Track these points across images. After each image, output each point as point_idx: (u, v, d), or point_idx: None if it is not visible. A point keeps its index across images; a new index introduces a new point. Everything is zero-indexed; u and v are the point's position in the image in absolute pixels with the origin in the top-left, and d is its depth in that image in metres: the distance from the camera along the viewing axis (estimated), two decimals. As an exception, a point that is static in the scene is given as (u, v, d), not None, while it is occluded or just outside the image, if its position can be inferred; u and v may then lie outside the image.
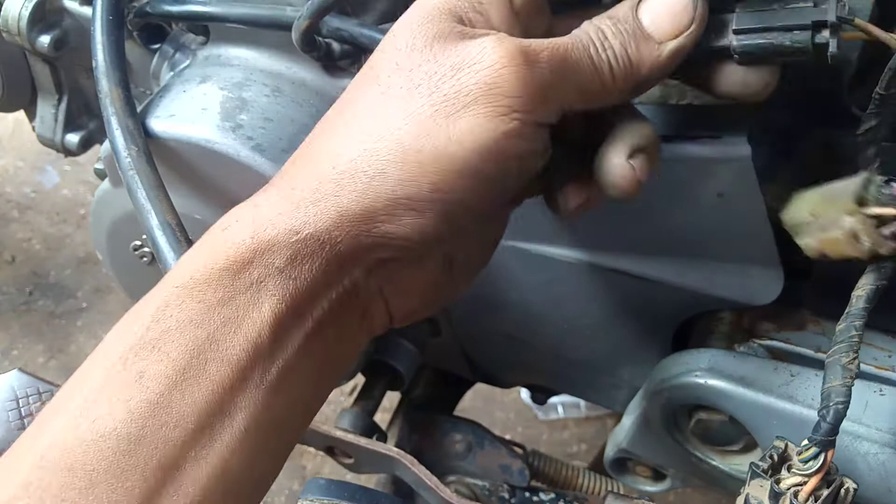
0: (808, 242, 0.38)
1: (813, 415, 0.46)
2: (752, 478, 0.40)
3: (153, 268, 0.64)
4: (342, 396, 1.47)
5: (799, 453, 0.38)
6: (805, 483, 0.37)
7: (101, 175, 0.68)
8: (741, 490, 0.41)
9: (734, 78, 0.37)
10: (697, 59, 0.36)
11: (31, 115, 0.83)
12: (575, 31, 0.35)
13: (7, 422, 0.67)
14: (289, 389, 0.32)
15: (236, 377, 0.30)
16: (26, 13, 0.68)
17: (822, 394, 0.37)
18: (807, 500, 0.37)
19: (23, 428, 0.68)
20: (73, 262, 1.68)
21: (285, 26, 0.50)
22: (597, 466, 0.80)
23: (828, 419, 0.36)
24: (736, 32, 0.34)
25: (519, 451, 0.76)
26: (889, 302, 0.40)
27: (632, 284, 0.56)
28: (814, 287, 0.53)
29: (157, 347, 0.30)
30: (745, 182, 0.44)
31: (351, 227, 0.32)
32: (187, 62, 0.58)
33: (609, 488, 0.74)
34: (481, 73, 0.32)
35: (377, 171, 0.32)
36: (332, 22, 0.48)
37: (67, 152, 0.81)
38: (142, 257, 0.64)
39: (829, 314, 0.52)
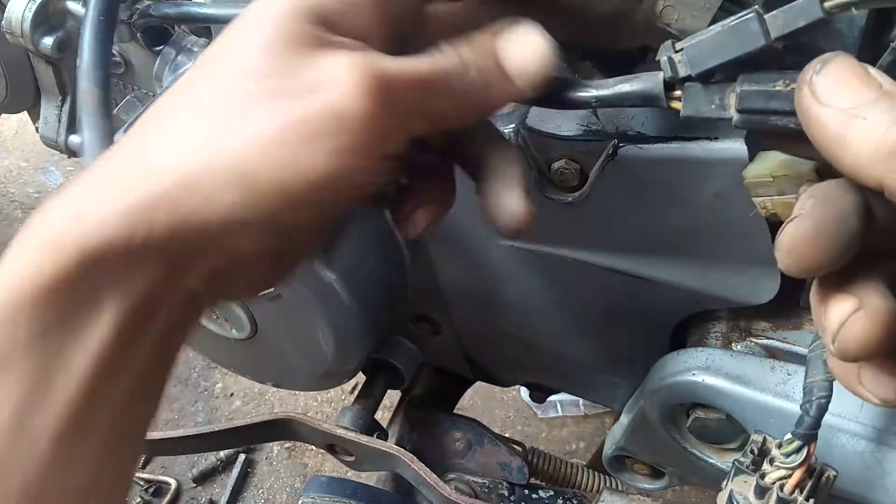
0: (763, 201, 0.37)
1: (838, 421, 0.46)
2: (735, 474, 0.41)
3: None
4: (343, 395, 1.47)
5: (780, 446, 0.39)
6: (790, 476, 0.38)
7: (104, 175, 0.69)
8: (722, 486, 0.41)
9: None
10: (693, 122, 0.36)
11: (35, 116, 0.83)
12: (435, 54, 0.33)
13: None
14: (139, 400, 0.31)
15: (85, 396, 0.28)
16: (30, 15, 0.68)
17: (804, 388, 0.37)
18: (792, 492, 0.38)
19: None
20: (76, 262, 1.69)
21: None
22: (595, 464, 0.81)
23: (810, 413, 0.37)
24: (740, 111, 0.33)
25: (518, 448, 0.77)
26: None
27: (629, 284, 0.56)
28: (810, 286, 0.54)
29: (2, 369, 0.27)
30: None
31: (185, 239, 0.29)
32: (189, 65, 0.59)
33: (607, 486, 0.75)
34: (331, 99, 0.29)
35: (216, 189, 0.29)
36: None
37: (71, 153, 0.82)
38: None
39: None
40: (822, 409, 0.37)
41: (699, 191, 0.48)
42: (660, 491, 0.66)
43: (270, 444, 1.45)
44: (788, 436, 0.38)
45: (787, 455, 0.38)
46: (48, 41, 0.69)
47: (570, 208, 0.53)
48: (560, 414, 1.45)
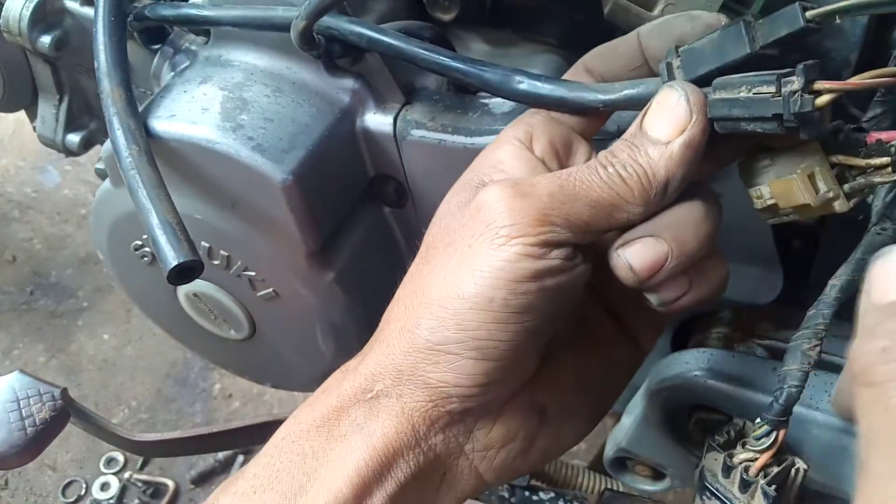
0: (760, 189, 0.37)
1: (811, 414, 0.47)
2: (707, 451, 0.41)
3: (154, 267, 0.64)
4: (342, 396, 1.47)
5: (753, 430, 0.39)
6: (756, 459, 0.38)
7: (101, 175, 0.68)
8: (699, 463, 0.42)
9: None
10: None
11: (32, 115, 0.83)
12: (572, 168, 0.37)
13: (8, 423, 0.67)
14: None
15: None
16: (27, 13, 0.68)
17: (778, 376, 0.38)
18: (757, 474, 0.38)
19: (24, 429, 0.68)
20: (74, 262, 1.68)
21: (278, 27, 0.50)
22: (596, 466, 0.80)
23: (780, 400, 0.38)
24: (711, 119, 0.35)
25: (519, 450, 0.76)
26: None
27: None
28: (813, 287, 0.53)
29: (267, 487, 0.35)
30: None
31: (402, 380, 0.35)
32: (188, 63, 0.58)
33: (608, 487, 0.74)
34: (483, 213, 0.35)
35: (412, 322, 0.35)
36: (325, 21, 0.48)
37: (68, 152, 0.81)
38: (142, 257, 0.64)
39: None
40: (792, 398, 0.38)
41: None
42: (661, 493, 0.66)
43: (269, 445, 1.45)
44: (758, 420, 0.39)
45: (757, 439, 0.39)
46: (46, 40, 0.69)
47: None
48: (559, 415, 1.44)
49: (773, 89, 0.32)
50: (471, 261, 0.34)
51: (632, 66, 0.41)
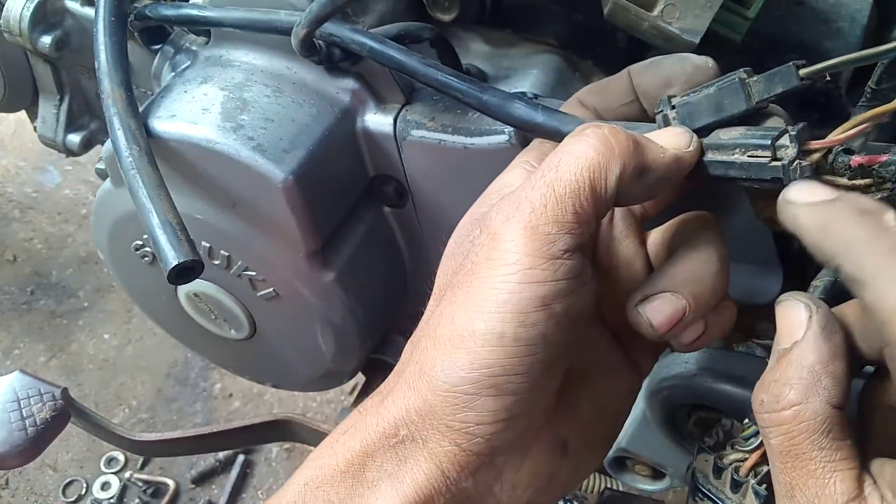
0: (759, 205, 0.39)
1: None
2: (698, 452, 0.42)
3: (154, 267, 0.64)
4: (342, 396, 1.47)
5: (742, 431, 0.40)
6: (746, 459, 0.39)
7: (102, 175, 0.68)
8: (689, 465, 0.42)
9: None
10: None
11: (33, 116, 0.83)
12: None
13: (9, 423, 0.67)
14: None
15: None
16: (28, 14, 0.68)
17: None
18: (747, 474, 0.39)
19: (24, 429, 0.69)
20: (75, 262, 1.68)
21: (279, 30, 0.50)
22: (596, 466, 0.80)
23: None
24: (711, 178, 0.36)
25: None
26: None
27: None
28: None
29: None
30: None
31: (425, 424, 0.34)
32: (188, 63, 0.58)
33: (608, 486, 0.74)
34: (484, 250, 0.35)
35: (427, 365, 0.34)
36: (327, 27, 0.48)
37: (69, 152, 0.82)
38: (143, 257, 0.64)
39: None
40: None
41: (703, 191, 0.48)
42: (661, 493, 0.66)
43: (269, 444, 1.45)
44: (746, 420, 0.39)
45: (746, 439, 0.39)
46: (46, 40, 0.69)
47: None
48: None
49: (768, 154, 0.34)
50: (477, 297, 0.34)
51: (623, 101, 0.42)
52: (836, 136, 0.33)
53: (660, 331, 0.36)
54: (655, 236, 0.42)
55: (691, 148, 0.36)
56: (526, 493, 0.37)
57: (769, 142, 0.34)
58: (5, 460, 0.67)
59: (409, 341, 0.38)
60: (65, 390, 0.70)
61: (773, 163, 0.33)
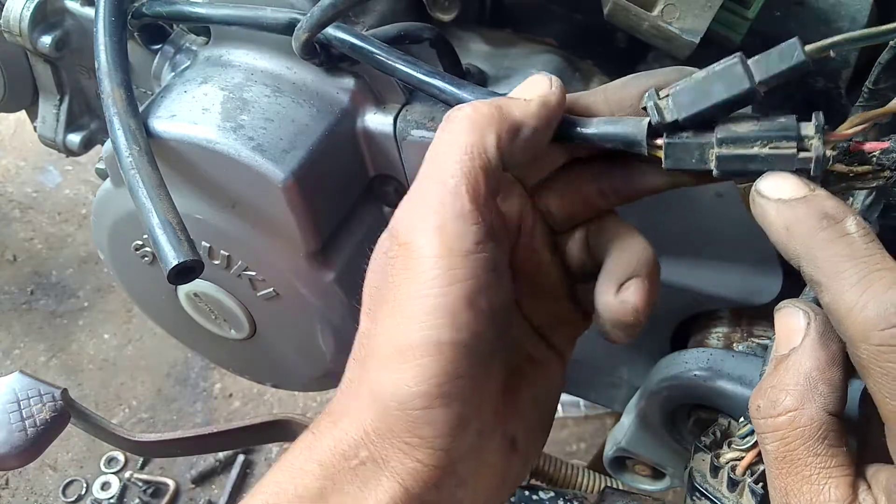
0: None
1: None
2: (695, 452, 0.42)
3: (154, 267, 0.64)
4: (343, 396, 1.47)
5: (738, 430, 0.40)
6: (742, 458, 0.39)
7: (102, 175, 0.68)
8: (687, 465, 0.42)
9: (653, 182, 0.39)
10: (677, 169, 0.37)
11: (33, 116, 0.83)
12: None
13: (9, 424, 0.67)
14: None
15: None
16: (28, 14, 0.68)
17: (759, 375, 0.38)
18: (744, 473, 0.39)
19: (24, 430, 0.69)
20: (75, 262, 1.69)
21: (265, 27, 0.50)
22: (596, 465, 0.80)
23: None
24: (721, 172, 0.34)
25: (519, 450, 0.76)
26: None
27: (631, 284, 0.56)
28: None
29: None
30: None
31: (383, 444, 0.34)
32: (188, 63, 0.58)
33: (608, 486, 0.74)
34: (399, 261, 0.36)
35: (375, 384, 0.35)
36: (311, 25, 0.48)
37: (69, 152, 0.82)
38: (143, 257, 0.64)
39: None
40: None
41: (701, 190, 0.48)
42: (661, 492, 0.66)
43: (269, 445, 1.45)
44: (742, 420, 0.39)
45: (742, 438, 0.39)
46: (46, 40, 0.69)
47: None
48: (560, 415, 1.44)
49: (793, 145, 0.32)
50: (406, 309, 0.34)
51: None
52: (848, 131, 0.33)
53: (642, 313, 0.38)
54: (572, 244, 0.42)
55: (554, 88, 0.36)
56: (486, 494, 0.38)
57: (795, 133, 0.33)
58: (5, 461, 0.67)
59: (351, 358, 0.37)
60: (64, 391, 0.70)
61: (802, 154, 0.32)
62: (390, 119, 0.53)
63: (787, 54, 0.32)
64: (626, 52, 0.54)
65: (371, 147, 0.55)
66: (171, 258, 0.45)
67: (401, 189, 0.58)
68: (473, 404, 0.34)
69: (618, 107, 0.38)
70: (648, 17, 0.44)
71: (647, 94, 0.36)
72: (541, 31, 0.57)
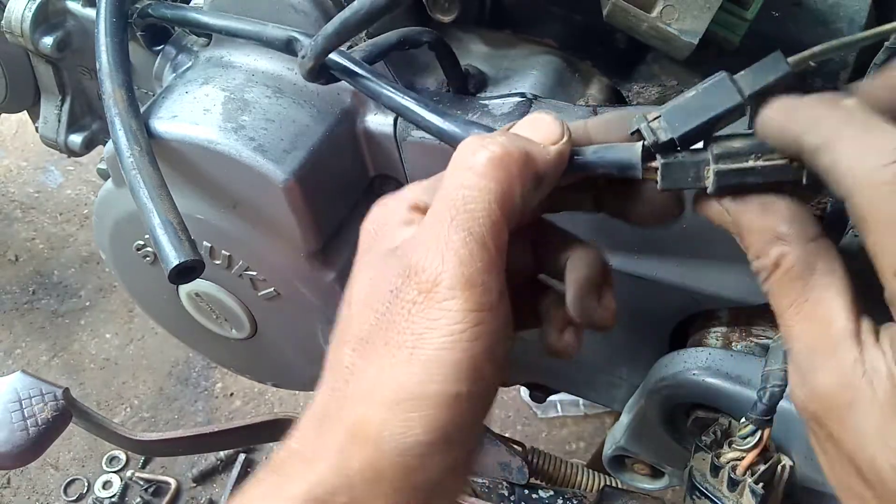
0: None
1: (796, 411, 0.47)
2: (695, 451, 0.42)
3: (156, 267, 0.65)
4: (343, 395, 1.47)
5: (739, 430, 0.40)
6: (743, 458, 0.39)
7: (104, 175, 0.69)
8: (687, 464, 0.43)
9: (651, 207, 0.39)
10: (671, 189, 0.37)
11: (35, 116, 0.83)
12: None
13: (10, 423, 0.68)
14: None
15: None
16: (30, 15, 0.68)
17: (761, 376, 0.38)
18: (744, 473, 0.39)
19: (26, 429, 0.69)
20: (76, 262, 1.69)
21: (268, 43, 0.51)
22: (595, 464, 0.81)
23: (763, 400, 0.38)
24: (718, 187, 0.34)
25: (518, 448, 0.77)
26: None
27: (630, 283, 0.56)
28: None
29: None
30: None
31: (369, 488, 0.33)
32: (189, 64, 0.59)
33: (607, 484, 0.75)
34: (417, 308, 0.35)
35: (371, 429, 0.33)
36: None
37: (70, 152, 0.82)
38: (144, 257, 0.65)
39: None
40: (776, 397, 0.39)
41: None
42: (660, 491, 0.66)
43: (270, 444, 1.45)
44: (743, 420, 0.39)
45: (743, 438, 0.39)
46: (48, 41, 0.69)
47: (570, 208, 0.53)
48: (560, 414, 1.45)
49: (785, 158, 0.33)
50: (426, 358, 0.33)
51: None
52: None
53: (578, 349, 0.39)
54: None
55: (566, 138, 0.36)
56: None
57: None
58: (7, 460, 0.67)
59: (327, 388, 0.36)
60: (66, 390, 0.71)
61: (795, 163, 0.33)
62: (391, 120, 0.53)
63: (772, 66, 0.34)
64: (625, 52, 0.54)
65: (371, 147, 0.56)
66: (173, 258, 0.45)
67: (401, 189, 0.58)
68: (470, 446, 0.34)
69: (603, 140, 0.38)
70: (647, 18, 0.44)
71: (635, 119, 0.36)
72: (540, 33, 0.57)
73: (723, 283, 0.53)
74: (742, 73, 0.34)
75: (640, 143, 0.36)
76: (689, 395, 0.53)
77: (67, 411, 0.70)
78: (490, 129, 0.45)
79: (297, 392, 1.47)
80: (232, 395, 1.53)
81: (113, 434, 0.80)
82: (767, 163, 0.33)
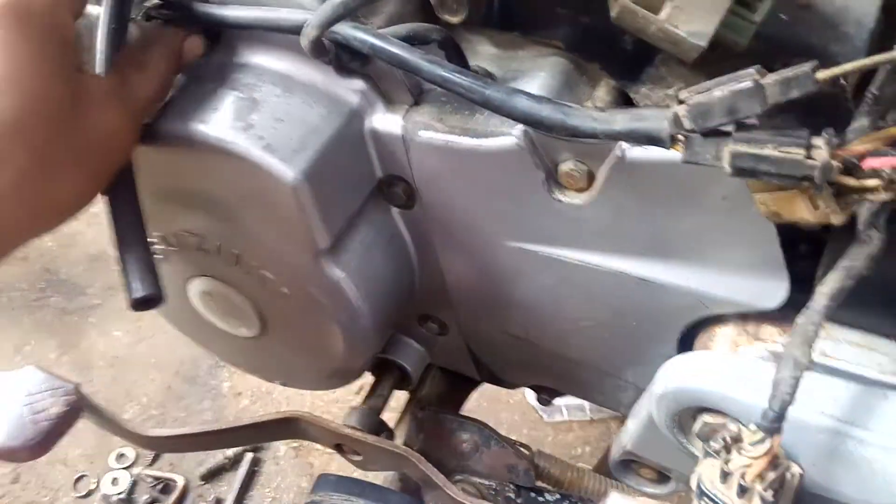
0: (764, 197, 0.40)
1: (818, 419, 0.47)
2: (704, 457, 0.42)
3: (165, 264, 0.65)
4: (349, 395, 1.48)
5: (748, 437, 0.40)
6: (752, 464, 0.39)
7: (115, 174, 0.69)
8: (694, 469, 0.43)
9: None
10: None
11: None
12: None
13: (21, 417, 0.68)
14: None
15: None
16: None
17: (772, 383, 0.38)
18: (754, 480, 0.39)
19: (36, 424, 0.69)
20: (85, 259, 1.70)
21: (283, 29, 0.51)
22: (601, 469, 0.81)
23: (773, 407, 0.38)
24: (733, 168, 0.37)
25: (525, 451, 0.77)
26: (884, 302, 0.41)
27: (638, 287, 0.56)
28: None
29: None
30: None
31: None
32: (198, 63, 0.59)
33: (613, 486, 0.74)
34: None
35: None
36: (345, 31, 0.48)
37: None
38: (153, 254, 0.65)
39: (834, 320, 0.52)
40: (785, 405, 0.39)
41: (707, 193, 0.48)
42: (667, 496, 0.66)
43: (277, 443, 1.46)
44: (753, 426, 0.39)
45: (752, 444, 0.39)
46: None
47: (577, 210, 0.53)
48: (566, 418, 1.45)
49: (802, 152, 0.35)
50: None
51: None
52: (860, 148, 0.35)
53: None
54: None
55: None
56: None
57: (805, 141, 0.35)
58: (17, 454, 0.68)
59: None
60: (77, 386, 0.71)
61: (809, 161, 0.35)
62: (398, 120, 0.54)
63: (802, 82, 0.35)
64: (633, 55, 0.54)
65: (379, 148, 0.56)
66: (136, 290, 0.52)
67: (409, 190, 0.58)
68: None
69: None
70: (656, 20, 0.44)
71: (666, 96, 0.40)
72: (548, 34, 0.57)
73: (730, 288, 0.53)
74: (772, 77, 0.36)
75: (670, 114, 0.39)
76: (695, 400, 0.52)
77: (78, 406, 0.71)
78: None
79: (304, 391, 1.47)
80: (240, 394, 1.54)
81: (122, 429, 0.80)
82: (783, 154, 0.35)
